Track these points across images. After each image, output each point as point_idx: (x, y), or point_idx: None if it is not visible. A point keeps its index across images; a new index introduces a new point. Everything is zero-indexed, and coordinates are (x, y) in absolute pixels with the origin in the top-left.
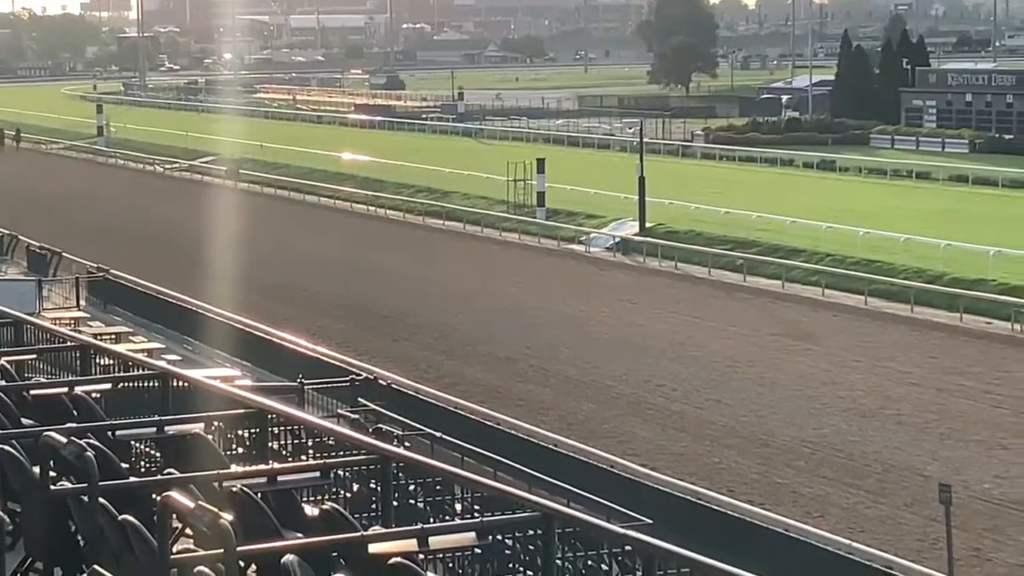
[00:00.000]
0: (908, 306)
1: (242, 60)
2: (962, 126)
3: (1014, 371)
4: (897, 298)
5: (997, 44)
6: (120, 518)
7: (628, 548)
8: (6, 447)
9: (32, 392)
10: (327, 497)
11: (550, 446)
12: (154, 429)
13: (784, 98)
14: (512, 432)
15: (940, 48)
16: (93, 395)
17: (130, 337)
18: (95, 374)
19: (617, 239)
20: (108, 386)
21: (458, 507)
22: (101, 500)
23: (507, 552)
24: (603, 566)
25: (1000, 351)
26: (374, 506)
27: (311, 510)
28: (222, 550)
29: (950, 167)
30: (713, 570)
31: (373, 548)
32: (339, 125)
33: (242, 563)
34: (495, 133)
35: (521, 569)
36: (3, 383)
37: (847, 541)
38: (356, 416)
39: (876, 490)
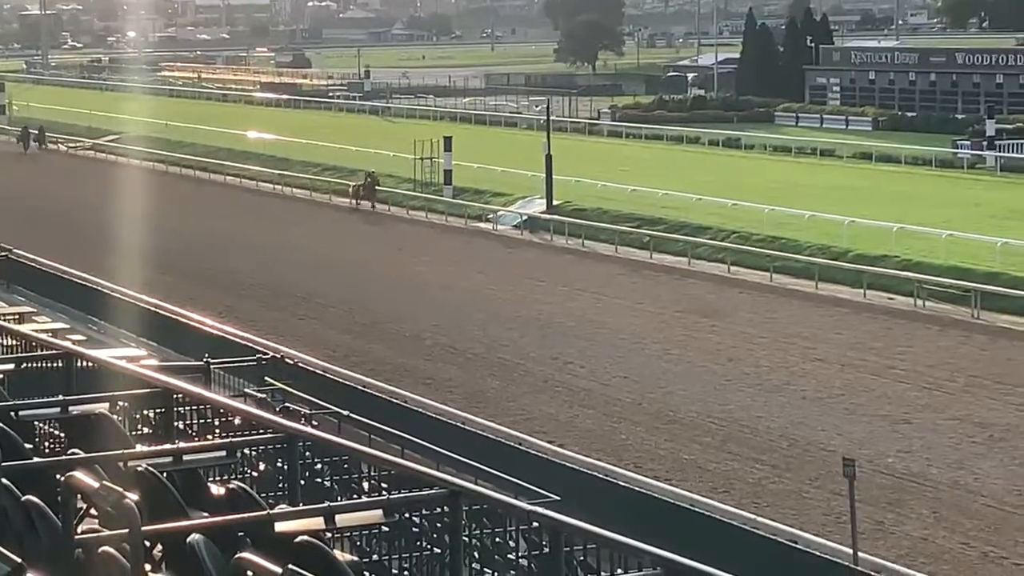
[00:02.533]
0: (813, 282)
1: (146, 38)
2: (865, 104)
3: (917, 346)
4: (802, 275)
5: (900, 22)
6: (23, 499)
7: (535, 524)
8: None
9: None
10: (234, 476)
11: (458, 424)
12: (58, 409)
13: (690, 76)
14: (420, 410)
15: (844, 26)
16: None
17: (33, 317)
18: None
19: (524, 217)
20: (11, 367)
21: (366, 485)
22: (4, 481)
23: (414, 529)
24: (511, 542)
25: (903, 326)
26: (281, 485)
27: (217, 489)
28: (127, 530)
29: (854, 144)
30: (620, 545)
31: (279, 526)
32: (245, 104)
33: (147, 543)
34: (402, 111)
35: (428, 546)
36: None
37: (752, 516)
38: (263, 395)
39: (781, 465)
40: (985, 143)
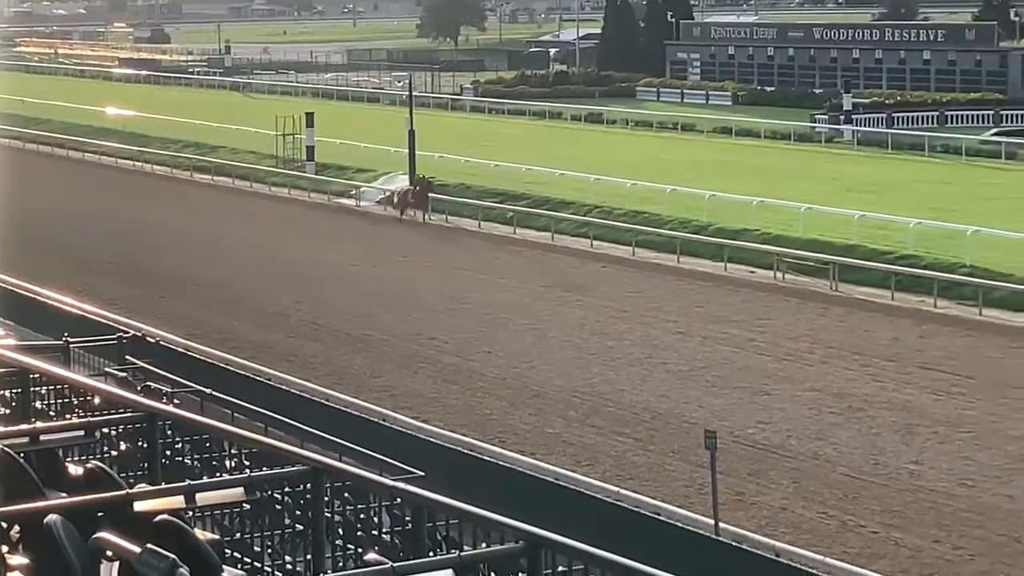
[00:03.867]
0: (675, 256)
1: (0, 13)
2: (725, 79)
3: (776, 319)
4: (664, 248)
5: None
6: None
7: (399, 500)
8: None
9: None
10: (93, 456)
11: (321, 400)
12: None
13: (552, 51)
14: (283, 387)
15: (703, 2)
16: None
17: None
18: None
19: (387, 193)
20: None
21: (229, 464)
22: None
23: (277, 507)
24: (375, 518)
25: (763, 299)
26: (143, 464)
27: (75, 469)
28: None
29: (714, 119)
30: (482, 519)
31: (139, 506)
32: (103, 80)
33: (4, 524)
34: (263, 87)
35: (291, 523)
36: None
37: (616, 488)
38: (124, 374)
39: (644, 438)
40: (842, 117)
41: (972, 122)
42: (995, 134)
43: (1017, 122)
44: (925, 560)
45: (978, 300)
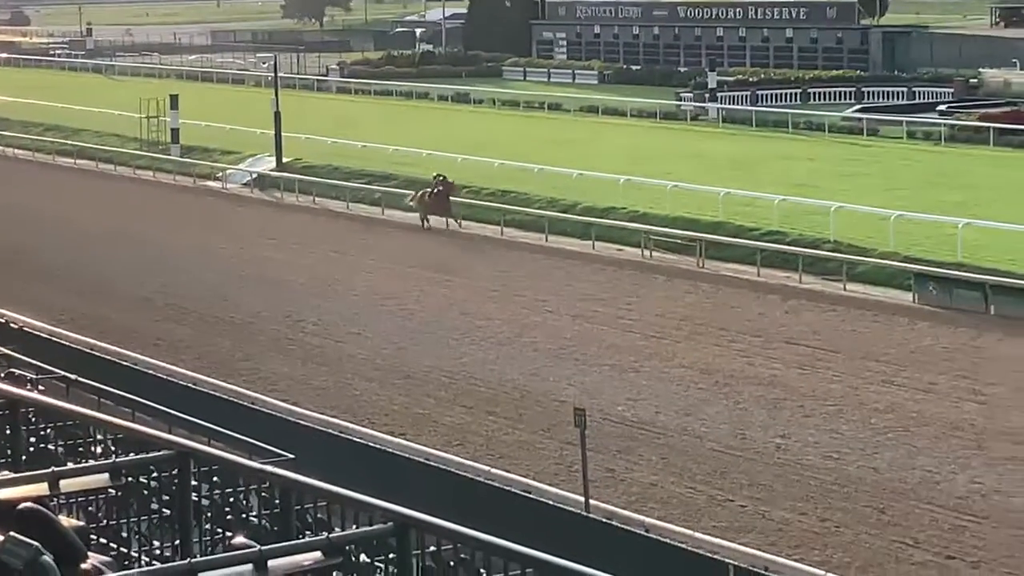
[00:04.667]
0: (543, 235)
1: None
2: (591, 57)
3: (644, 296)
4: (532, 228)
5: None
6: None
7: (268, 483)
8: None
9: None
10: None
11: (189, 385)
12: None
13: (418, 31)
14: (150, 372)
15: None
16: None
17: None
18: None
19: (254, 175)
20: None
21: (96, 450)
22: None
23: (144, 492)
24: (245, 502)
25: (631, 277)
26: (8, 452)
27: None
28: None
29: (580, 98)
30: (351, 501)
31: (1, 494)
32: None
33: None
34: (126, 69)
35: (158, 508)
36: None
37: (487, 468)
38: None
39: (514, 416)
40: (707, 95)
41: (834, 99)
42: (857, 111)
43: (878, 99)
44: (792, 532)
45: (842, 275)
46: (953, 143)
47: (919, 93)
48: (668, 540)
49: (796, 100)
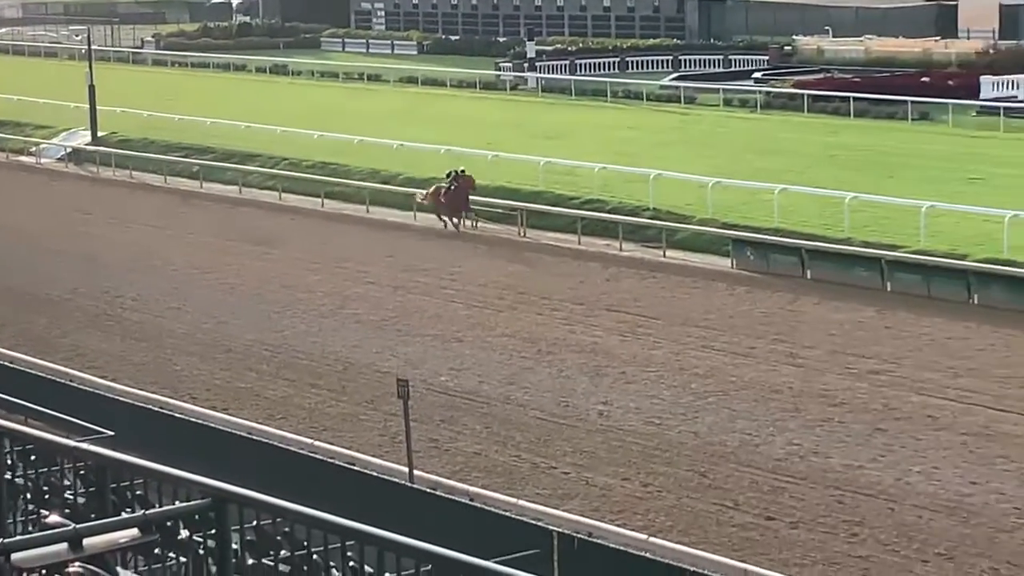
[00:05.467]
0: (364, 207)
1: None
2: (410, 28)
3: (466, 266)
4: (353, 199)
5: None
6: None
7: (85, 461)
8: None
9: None
10: None
11: (5, 363)
12: None
13: (234, 3)
14: None
15: None
16: None
17: None
18: None
19: (69, 149)
20: None
21: None
22: None
23: None
24: (63, 480)
25: (453, 247)
26: None
27: None
28: None
29: (400, 69)
30: (167, 476)
31: None
32: None
33: None
34: None
35: None
36: None
37: (310, 440)
38: None
39: (337, 389)
40: (526, 65)
41: (652, 68)
42: (674, 79)
43: (695, 67)
44: (615, 498)
45: (662, 242)
46: (769, 110)
47: (735, 61)
48: (492, 508)
49: (614, 69)
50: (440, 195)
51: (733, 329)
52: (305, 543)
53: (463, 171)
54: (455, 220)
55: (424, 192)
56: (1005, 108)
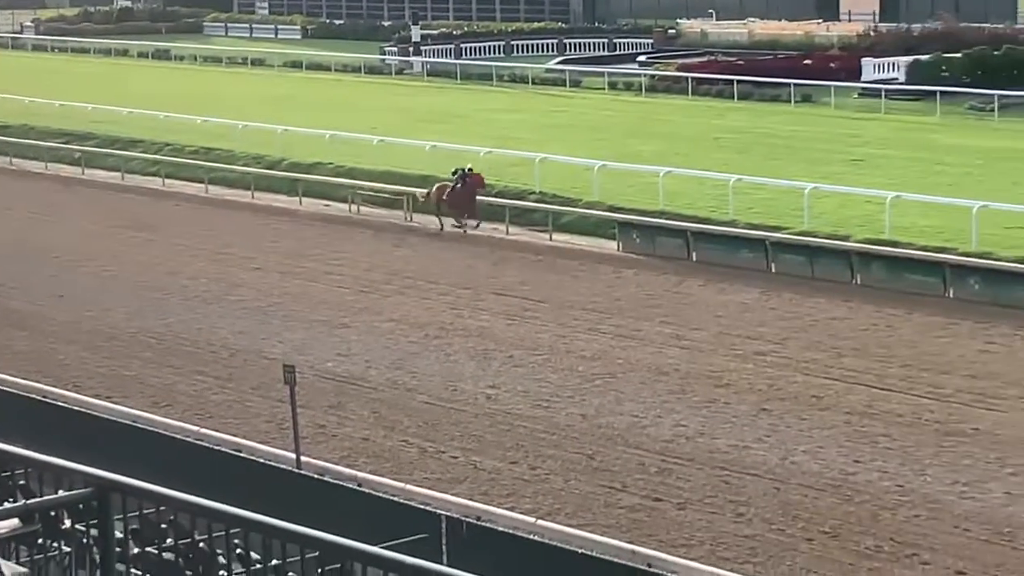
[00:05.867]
0: (249, 192)
1: None
2: (294, 12)
3: (352, 251)
4: (238, 185)
5: None
6: None
7: None
8: None
9: None
10: None
11: None
12: None
13: None
14: None
15: None
16: None
17: None
18: None
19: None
20: None
21: None
22: None
23: None
24: None
25: (339, 232)
26: None
27: None
28: None
29: (284, 53)
30: (51, 467)
31: None
32: None
33: None
34: None
35: None
36: None
37: (196, 428)
38: None
39: (223, 376)
40: (411, 49)
41: (537, 51)
42: (559, 63)
43: (580, 51)
44: (503, 481)
45: (548, 226)
46: (653, 93)
47: (620, 44)
48: (380, 494)
49: (499, 53)
50: (444, 195)
51: (620, 311)
52: (191, 531)
53: (471, 169)
54: (460, 221)
55: (426, 190)
56: (886, 90)
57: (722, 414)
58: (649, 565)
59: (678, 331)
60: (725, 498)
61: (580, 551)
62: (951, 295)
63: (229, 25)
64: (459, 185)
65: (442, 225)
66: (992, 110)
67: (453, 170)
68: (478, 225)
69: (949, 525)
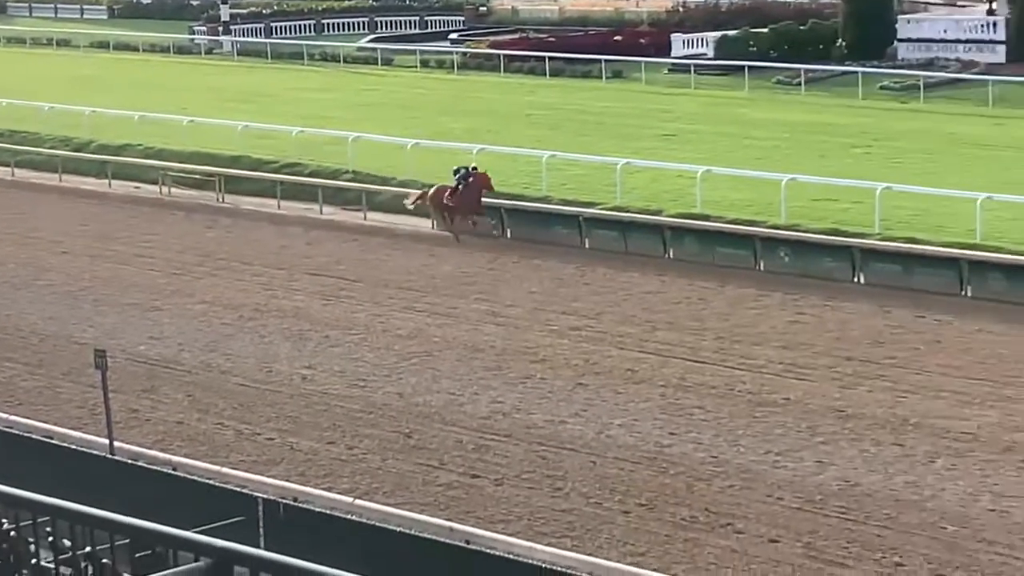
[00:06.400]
0: (56, 175)
1: None
2: None
3: (164, 233)
4: (45, 168)
5: None
6: None
7: None
8: None
9: None
10: None
11: None
12: None
13: None
14: None
15: None
16: None
17: None
18: None
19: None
20: None
21: None
22: None
23: None
24: None
25: (150, 214)
26: None
27: None
28: None
29: (90, 33)
30: None
31: None
32: None
33: None
34: None
35: None
36: None
37: (5, 415)
38: None
39: (33, 362)
40: (220, 28)
41: (348, 30)
42: (371, 41)
43: (391, 29)
44: (320, 462)
45: (362, 205)
46: (465, 71)
47: (431, 22)
48: (195, 477)
49: (310, 32)
50: (445, 195)
51: (435, 290)
52: (3, 521)
53: (475, 168)
54: (467, 222)
55: (415, 193)
56: (695, 65)
57: (538, 389)
58: (467, 542)
59: (493, 308)
60: (542, 473)
61: (399, 529)
62: (762, 267)
63: (33, 5)
64: (462, 186)
65: (455, 236)
66: (799, 84)
67: (454, 169)
68: (475, 224)
69: (762, 494)
